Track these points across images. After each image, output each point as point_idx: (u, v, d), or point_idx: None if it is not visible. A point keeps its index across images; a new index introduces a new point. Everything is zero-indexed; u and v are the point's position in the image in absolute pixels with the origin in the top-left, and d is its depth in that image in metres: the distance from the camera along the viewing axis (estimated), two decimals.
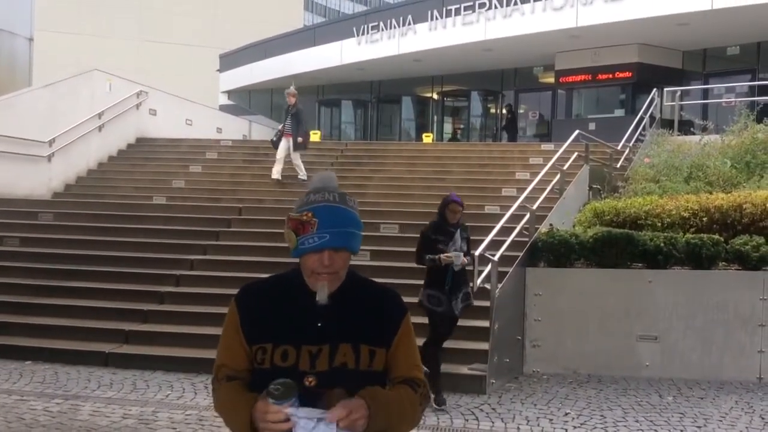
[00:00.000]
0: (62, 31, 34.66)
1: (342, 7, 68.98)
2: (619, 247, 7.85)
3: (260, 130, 22.38)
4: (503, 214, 8.62)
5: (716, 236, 8.00)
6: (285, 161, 12.88)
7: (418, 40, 20.95)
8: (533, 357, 7.83)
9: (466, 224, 6.79)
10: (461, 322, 7.85)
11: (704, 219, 8.60)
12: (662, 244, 7.78)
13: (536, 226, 8.59)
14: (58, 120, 13.14)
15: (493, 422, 5.94)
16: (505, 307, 7.46)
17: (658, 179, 10.88)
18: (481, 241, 7.67)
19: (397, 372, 2.02)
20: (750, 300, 7.61)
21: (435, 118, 25.75)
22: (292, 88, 13.68)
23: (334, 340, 1.94)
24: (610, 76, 19.12)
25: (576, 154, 11.02)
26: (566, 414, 6.19)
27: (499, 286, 7.32)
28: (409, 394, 1.98)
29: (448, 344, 7.35)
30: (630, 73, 18.80)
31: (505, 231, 8.18)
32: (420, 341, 6.13)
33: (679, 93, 15.60)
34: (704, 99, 18.27)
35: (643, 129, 14.25)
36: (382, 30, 22.02)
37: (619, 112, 19.34)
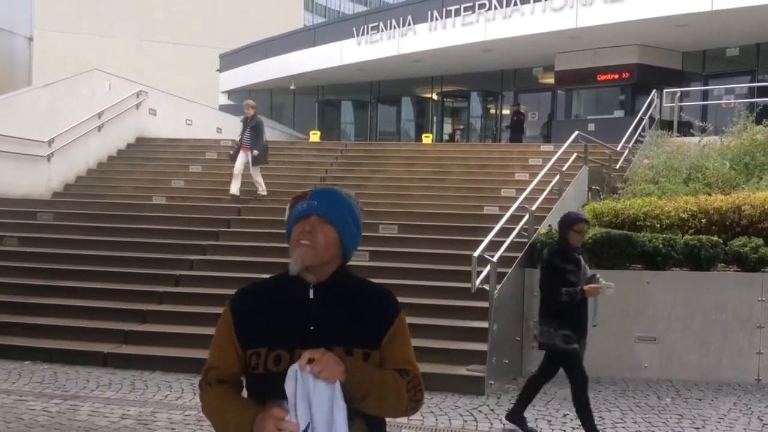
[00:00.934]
0: (62, 31, 34.69)
1: (342, 8, 68.99)
2: (618, 248, 7.86)
3: None
4: (502, 215, 8.62)
5: (715, 238, 8.01)
6: (244, 176, 12.21)
7: (417, 40, 20.96)
8: (532, 358, 7.80)
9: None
10: (459, 323, 7.88)
11: (703, 220, 8.61)
12: (661, 246, 7.79)
13: (535, 227, 8.60)
14: (57, 120, 13.14)
15: (491, 423, 5.94)
16: (504, 307, 7.47)
17: (657, 180, 10.89)
18: (480, 241, 7.68)
19: (387, 366, 2.00)
20: (748, 301, 7.62)
21: (434, 118, 25.77)
22: (250, 100, 13.27)
23: (327, 343, 1.91)
24: (610, 77, 19.13)
25: (575, 154, 11.03)
26: (565, 415, 6.20)
27: (498, 287, 7.33)
28: (395, 376, 1.96)
29: (446, 344, 7.37)
30: (629, 74, 18.81)
31: (504, 232, 8.19)
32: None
33: (678, 94, 15.61)
34: (704, 100, 18.29)
35: (643, 130, 14.27)
36: (382, 30, 22.03)
37: (619, 113, 19.36)
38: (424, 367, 2.09)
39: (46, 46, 27.12)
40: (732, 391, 7.09)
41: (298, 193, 2.11)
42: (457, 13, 19.85)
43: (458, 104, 25.36)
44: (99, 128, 14.35)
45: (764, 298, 7.54)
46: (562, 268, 5.40)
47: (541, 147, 14.85)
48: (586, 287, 5.36)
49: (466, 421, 5.97)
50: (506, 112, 22.63)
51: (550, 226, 8.57)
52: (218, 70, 31.09)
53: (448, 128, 25.35)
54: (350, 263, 2.12)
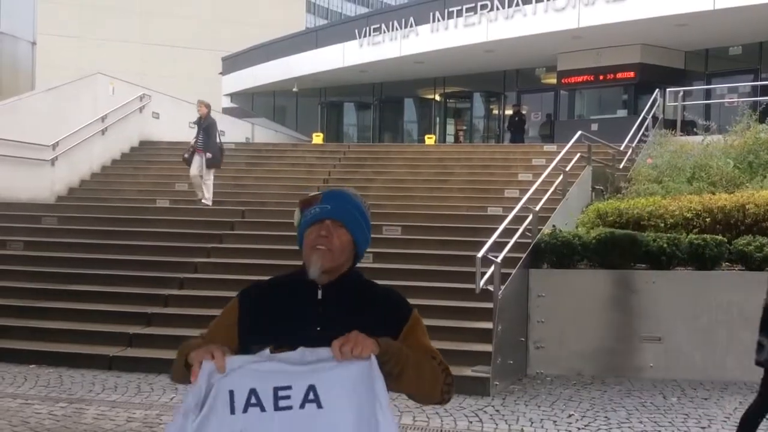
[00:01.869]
0: (65, 35, 34.79)
1: (344, 9, 69.07)
2: (622, 248, 7.85)
3: (263, 132, 22.40)
4: (506, 216, 8.62)
5: (719, 237, 8.00)
6: (202, 180, 11.98)
7: (420, 41, 20.98)
8: (537, 358, 7.82)
9: None
10: (464, 324, 7.87)
11: (707, 219, 8.60)
12: (665, 245, 7.78)
13: (539, 228, 8.59)
14: (61, 124, 13.17)
15: (497, 424, 5.94)
16: (508, 308, 7.46)
17: (661, 180, 10.88)
18: (484, 242, 7.67)
19: None
20: (753, 300, 7.59)
21: (437, 119, 25.77)
22: (203, 99, 12.68)
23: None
24: (613, 76, 19.12)
25: (579, 155, 11.03)
26: (570, 415, 6.19)
27: (502, 287, 7.32)
28: (426, 356, 1.96)
29: (451, 346, 7.36)
30: (632, 74, 18.80)
31: (508, 232, 8.18)
32: None
33: (681, 93, 15.59)
34: (707, 99, 18.27)
35: (646, 129, 14.24)
36: (384, 32, 22.05)
37: (622, 113, 19.35)
38: None
39: (48, 50, 27.19)
40: (738, 391, 7.07)
41: (307, 197, 2.11)
42: (459, 14, 19.86)
43: (461, 105, 25.36)
44: (102, 132, 14.38)
45: None
46: None
47: (544, 147, 14.84)
48: None
49: (471, 422, 5.97)
50: (509, 112, 22.63)
51: (554, 226, 8.57)
52: (221, 72, 31.14)
53: (451, 129, 25.35)
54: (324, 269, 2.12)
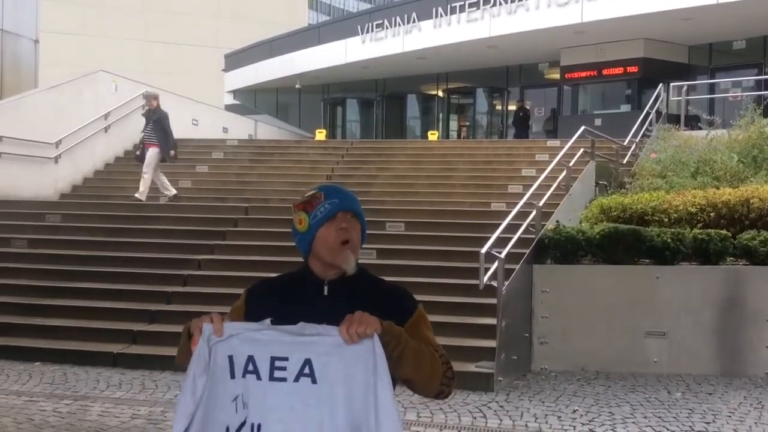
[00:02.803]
0: (67, 33, 34.78)
1: (346, 5, 68.95)
2: (626, 243, 7.83)
3: (266, 129, 22.42)
4: (509, 211, 8.60)
5: (724, 231, 7.97)
6: (162, 173, 11.93)
7: (422, 37, 20.94)
8: (541, 354, 7.81)
9: None
10: (468, 320, 7.86)
11: (711, 214, 8.57)
12: (669, 240, 7.76)
13: (543, 223, 8.57)
14: (64, 121, 13.19)
15: (501, 420, 5.93)
16: (512, 304, 7.45)
17: (665, 174, 10.85)
18: (488, 238, 7.66)
19: None
20: (758, 295, 7.58)
21: (440, 115, 25.74)
22: (152, 90, 12.32)
23: None
24: (616, 71, 19.07)
25: (582, 150, 11.00)
26: (574, 411, 6.18)
27: (506, 283, 7.31)
28: (426, 345, 1.97)
29: (455, 342, 7.36)
30: (636, 68, 18.75)
31: (512, 228, 8.16)
32: None
33: (685, 88, 15.53)
34: (711, 93, 18.20)
35: (650, 124, 14.22)
36: (387, 28, 22.01)
37: (625, 108, 19.30)
38: None
39: (51, 48, 27.21)
40: (742, 385, 7.06)
41: (305, 197, 2.09)
42: (462, 9, 19.82)
43: (464, 101, 25.33)
44: (105, 129, 14.39)
45: None
46: None
47: (548, 143, 14.81)
48: None
49: (475, 418, 5.96)
50: (512, 108, 22.59)
51: (557, 221, 8.55)
52: (223, 69, 31.14)
53: (454, 125, 25.33)
54: (357, 262, 2.12)
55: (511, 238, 7.97)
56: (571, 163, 10.25)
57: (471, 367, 7.03)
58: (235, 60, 30.06)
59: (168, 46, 36.79)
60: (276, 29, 29.13)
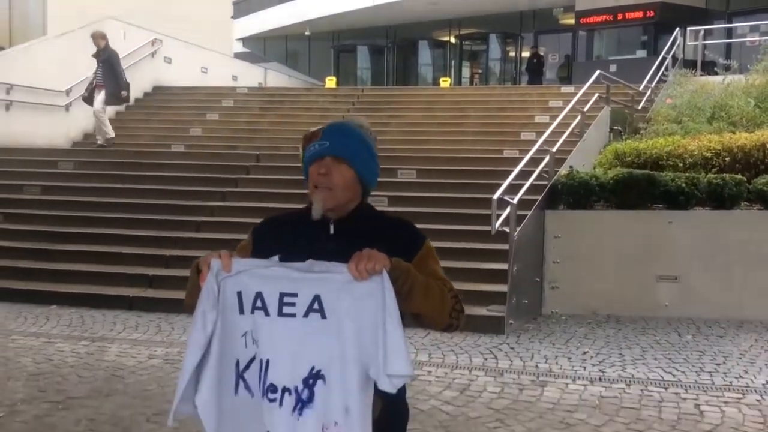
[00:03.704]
0: None
1: None
2: (640, 188, 7.78)
3: (276, 77, 22.21)
4: (522, 158, 8.54)
5: (739, 176, 7.90)
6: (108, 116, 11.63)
7: None
8: (552, 298, 7.85)
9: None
10: (480, 266, 7.89)
11: (727, 159, 8.49)
12: (684, 185, 7.70)
13: (556, 169, 8.51)
14: (74, 69, 13.09)
15: (511, 361, 6.00)
16: (524, 249, 7.46)
17: (681, 120, 10.71)
18: (500, 185, 7.63)
19: None
20: None
21: (452, 62, 25.41)
22: (96, 29, 11.70)
23: None
24: (632, 15, 18.67)
25: (597, 95, 10.84)
26: (585, 353, 6.24)
27: (518, 229, 7.30)
28: (435, 279, 1.97)
29: (467, 286, 7.39)
30: (652, 13, 18.35)
31: (525, 175, 8.12)
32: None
33: (702, 32, 15.21)
34: (728, 38, 17.82)
35: (666, 70, 13.96)
36: None
37: (641, 54, 18.96)
38: None
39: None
40: (753, 329, 7.08)
41: (309, 132, 2.07)
42: None
43: (477, 47, 24.96)
44: None
45: None
46: None
47: (562, 89, 14.60)
48: None
49: (486, 359, 6.03)
50: (526, 54, 22.25)
51: (571, 167, 8.50)
52: (232, 17, 30.76)
53: (466, 72, 25.01)
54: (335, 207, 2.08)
55: (523, 185, 7.94)
56: (585, 109, 10.13)
57: (482, 311, 7.09)
58: (244, 7, 29.67)
59: None
60: None
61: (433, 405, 4.88)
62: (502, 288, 7.22)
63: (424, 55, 26.45)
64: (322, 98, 15.66)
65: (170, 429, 4.36)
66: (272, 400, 1.83)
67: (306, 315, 1.83)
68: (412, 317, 1.96)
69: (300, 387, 1.82)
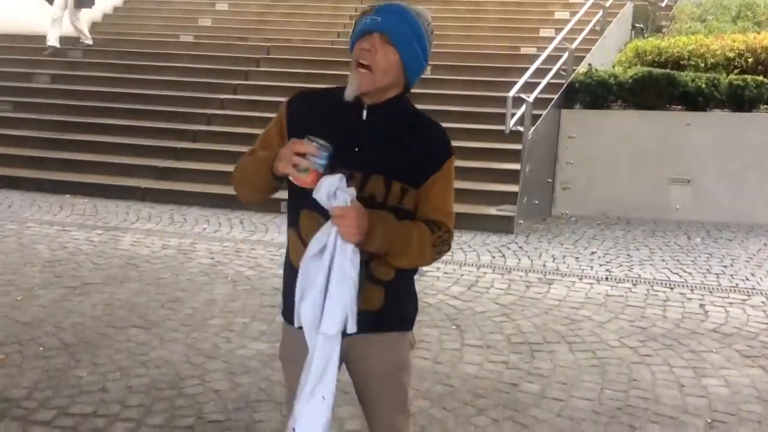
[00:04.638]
0: None
1: None
2: (659, 88, 7.61)
3: None
4: (540, 55, 8.32)
5: (760, 78, 7.70)
6: (71, 22, 10.75)
7: None
8: (563, 200, 7.85)
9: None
10: (492, 165, 7.84)
11: (750, 60, 8.26)
12: (704, 85, 7.53)
13: (574, 67, 8.31)
14: None
15: (519, 259, 6.06)
16: (537, 149, 7.40)
17: (705, 18, 10.37)
18: (516, 82, 7.47)
19: (420, 212, 1.93)
20: None
21: None
22: None
23: (369, 168, 1.86)
24: None
25: None
26: (592, 253, 6.28)
27: (533, 128, 7.21)
28: (421, 230, 1.89)
29: (479, 186, 7.39)
30: None
31: (542, 73, 7.93)
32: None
33: None
34: None
35: None
36: None
37: None
38: (456, 208, 2.03)
39: None
40: (763, 233, 7.09)
41: (367, 7, 1.95)
42: None
43: None
44: None
45: None
46: None
47: None
48: None
49: (494, 257, 6.09)
50: None
51: (590, 65, 8.29)
52: None
53: None
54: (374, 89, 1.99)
55: (540, 83, 7.77)
56: (607, 4, 9.78)
57: (492, 211, 7.10)
58: None
59: None
60: None
61: (441, 299, 4.97)
62: (514, 188, 7.20)
63: None
64: None
65: (185, 315, 4.51)
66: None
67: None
68: None
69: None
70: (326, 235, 1.79)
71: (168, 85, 9.94)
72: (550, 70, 8.08)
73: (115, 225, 6.69)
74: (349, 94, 1.88)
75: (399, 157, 1.90)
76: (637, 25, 10.55)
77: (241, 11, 13.49)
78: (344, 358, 1.93)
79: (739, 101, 7.55)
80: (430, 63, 7.69)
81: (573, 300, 5.07)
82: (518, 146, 7.33)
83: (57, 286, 4.98)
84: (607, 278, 5.58)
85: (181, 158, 8.39)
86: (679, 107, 7.72)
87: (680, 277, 5.65)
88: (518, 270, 5.75)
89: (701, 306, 5.00)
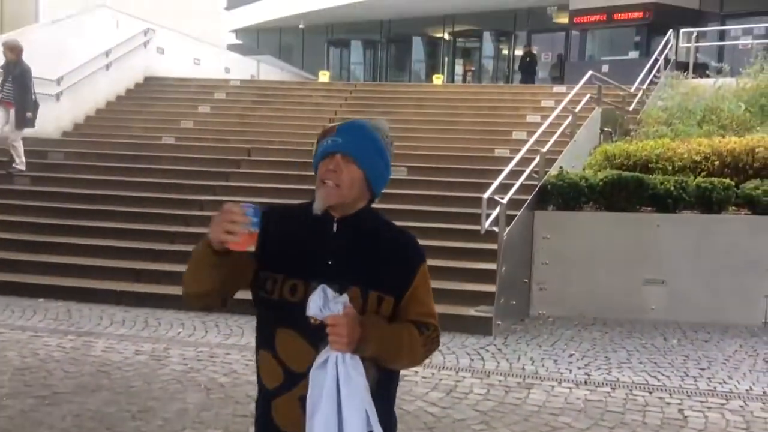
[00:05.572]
0: None
1: None
2: (628, 190, 7.81)
3: (269, 70, 22.11)
4: (513, 157, 8.56)
5: (727, 180, 7.95)
6: (9, 142, 10.21)
7: None
8: (540, 300, 7.89)
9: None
10: (468, 265, 7.91)
11: (716, 163, 8.53)
12: (672, 188, 7.74)
13: (546, 170, 8.53)
14: (65, 57, 12.99)
15: (498, 362, 6.02)
16: (512, 250, 7.49)
17: (671, 122, 10.76)
18: (490, 184, 7.64)
19: (406, 316, 1.97)
20: (758, 244, 7.61)
21: (446, 59, 25.39)
22: (11, 39, 10.31)
23: (344, 281, 1.89)
24: (626, 16, 18.71)
25: (588, 96, 10.88)
26: (571, 355, 6.27)
27: (507, 229, 7.32)
28: (411, 332, 1.93)
29: (455, 286, 7.42)
30: (646, 14, 18.38)
31: (515, 174, 8.14)
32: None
33: (695, 34, 15.26)
34: (721, 41, 17.89)
35: (658, 71, 14.01)
36: None
37: (634, 54, 18.99)
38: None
39: None
40: (738, 334, 7.14)
41: (326, 127, 2.04)
42: None
43: (470, 44, 24.95)
44: (107, 67, 14.21)
45: None
46: None
47: (554, 89, 14.63)
48: None
49: (473, 360, 6.05)
50: (519, 52, 22.27)
51: (561, 168, 8.52)
52: (226, 8, 30.61)
53: (459, 69, 25.00)
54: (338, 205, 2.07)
55: (513, 184, 7.96)
56: (576, 110, 10.15)
57: (470, 311, 7.12)
58: None
59: None
60: None
61: (419, 406, 4.90)
62: (491, 288, 7.24)
63: (418, 51, 26.41)
64: (315, 92, 15.61)
65: (155, 427, 4.39)
66: None
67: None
68: None
69: None
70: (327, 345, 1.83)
71: (148, 186, 10.03)
72: (523, 171, 8.30)
73: (88, 330, 6.59)
74: (318, 207, 1.94)
75: (372, 267, 1.94)
76: (606, 129, 10.92)
77: (223, 113, 13.81)
78: None
79: (708, 203, 7.76)
80: (406, 165, 7.90)
81: (552, 406, 5.02)
82: (494, 246, 7.42)
83: (26, 395, 4.86)
84: (586, 382, 5.55)
85: (158, 260, 8.36)
86: (650, 209, 7.91)
87: (658, 380, 5.64)
88: (497, 374, 5.71)
89: (680, 411, 4.97)
